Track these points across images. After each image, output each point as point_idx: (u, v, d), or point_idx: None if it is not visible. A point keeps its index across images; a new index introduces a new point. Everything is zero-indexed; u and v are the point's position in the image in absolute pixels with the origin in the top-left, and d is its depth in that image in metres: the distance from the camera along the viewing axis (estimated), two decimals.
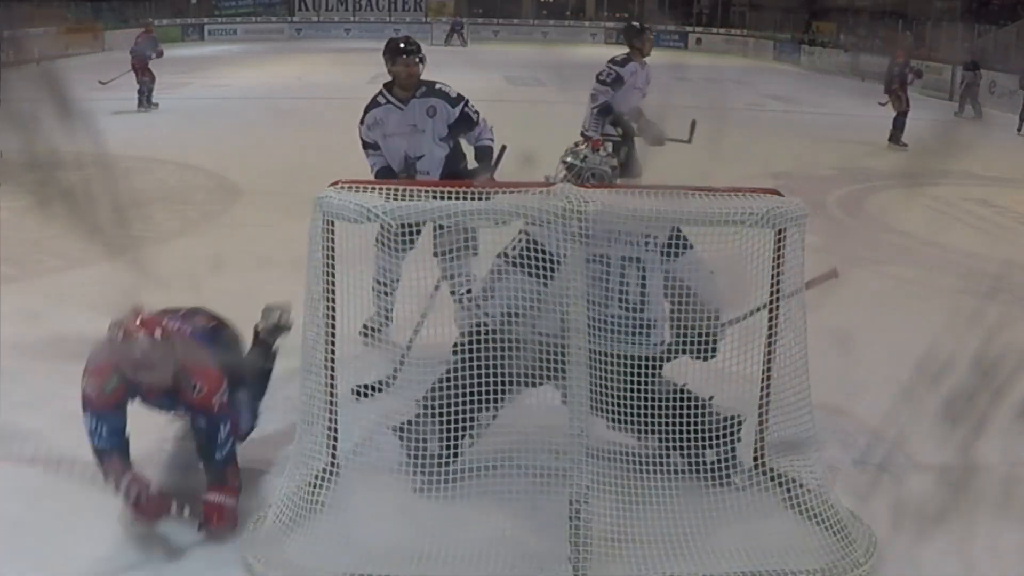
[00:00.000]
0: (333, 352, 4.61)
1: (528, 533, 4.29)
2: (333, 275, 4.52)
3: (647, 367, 4.76)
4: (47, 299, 7.58)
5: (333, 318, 4.57)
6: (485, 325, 4.74)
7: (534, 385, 4.76)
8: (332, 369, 4.62)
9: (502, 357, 4.62)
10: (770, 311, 4.79)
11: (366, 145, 6.82)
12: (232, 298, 7.35)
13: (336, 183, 4.48)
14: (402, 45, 6.80)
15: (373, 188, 4.45)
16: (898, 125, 16.74)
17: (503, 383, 4.70)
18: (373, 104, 6.81)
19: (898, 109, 16.97)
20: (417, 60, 6.73)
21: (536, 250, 4.67)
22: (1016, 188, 13.38)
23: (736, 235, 4.76)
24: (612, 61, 9.28)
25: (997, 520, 4.53)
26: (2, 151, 13.57)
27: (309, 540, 4.32)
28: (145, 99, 19.33)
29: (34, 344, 6.61)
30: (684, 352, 4.95)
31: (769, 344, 4.80)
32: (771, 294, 4.77)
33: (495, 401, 4.71)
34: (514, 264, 4.86)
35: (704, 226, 4.89)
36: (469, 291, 5.58)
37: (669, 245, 5.00)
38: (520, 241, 4.87)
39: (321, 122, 16.07)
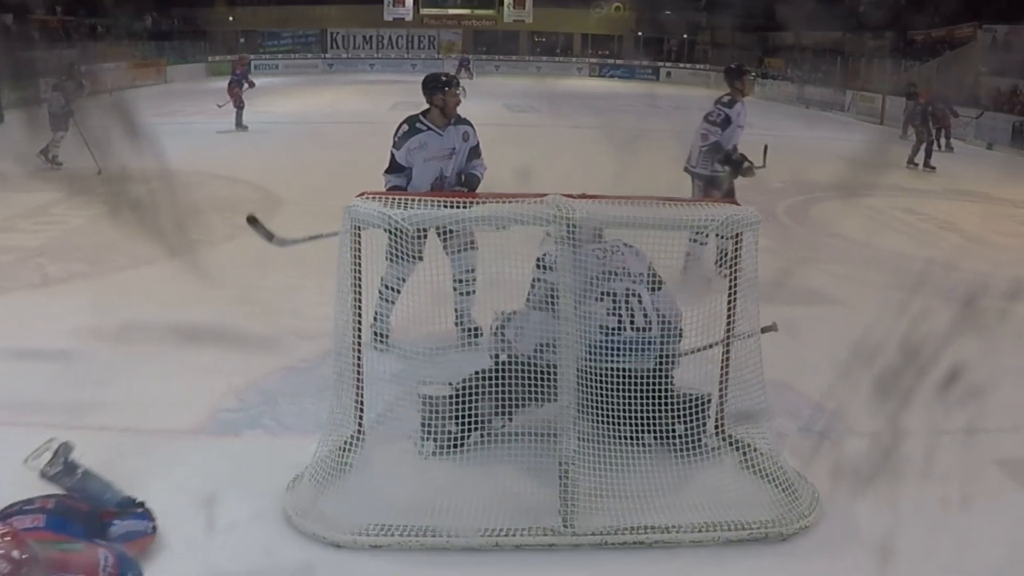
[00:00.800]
0: (359, 336, 4.61)
1: (525, 490, 4.29)
2: (359, 272, 4.52)
3: (651, 376, 4.79)
4: (116, 293, 7.57)
5: (359, 308, 4.57)
6: (518, 357, 4.74)
7: (545, 403, 4.74)
8: (359, 351, 4.62)
9: (527, 383, 4.60)
10: (728, 303, 4.78)
11: (396, 168, 6.48)
12: (272, 293, 7.39)
13: (362, 194, 4.49)
14: (445, 79, 6.65)
15: (393, 198, 4.46)
16: (928, 152, 16.67)
17: (521, 402, 4.71)
18: (413, 131, 6.49)
19: (922, 140, 16.91)
20: (460, 91, 6.62)
21: (551, 292, 4.66)
22: (936, 199, 13.41)
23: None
24: (720, 103, 8.56)
25: (921, 479, 4.53)
26: (101, 168, 13.61)
27: (339, 496, 4.32)
28: (239, 122, 19.59)
29: (104, 331, 6.60)
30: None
31: (727, 327, 4.80)
32: (729, 288, 4.76)
33: (510, 414, 4.75)
34: (537, 309, 4.92)
35: (675, 231, 4.91)
36: (473, 283, 5.65)
37: (652, 280, 5.07)
38: (538, 289, 4.97)
39: (350, 143, 16.06)
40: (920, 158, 16.69)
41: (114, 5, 33.11)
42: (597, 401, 4.56)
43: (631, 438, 4.66)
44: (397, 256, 4.91)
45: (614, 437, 4.63)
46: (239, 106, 19.62)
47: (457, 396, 4.79)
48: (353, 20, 38.70)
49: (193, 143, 16.53)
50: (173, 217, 9.91)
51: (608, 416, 4.61)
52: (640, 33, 38.77)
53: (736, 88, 8.54)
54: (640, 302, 4.99)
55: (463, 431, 4.76)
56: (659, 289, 5.10)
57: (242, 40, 37.52)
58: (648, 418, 4.71)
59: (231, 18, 38.13)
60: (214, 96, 25.44)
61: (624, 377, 4.67)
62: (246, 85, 19.97)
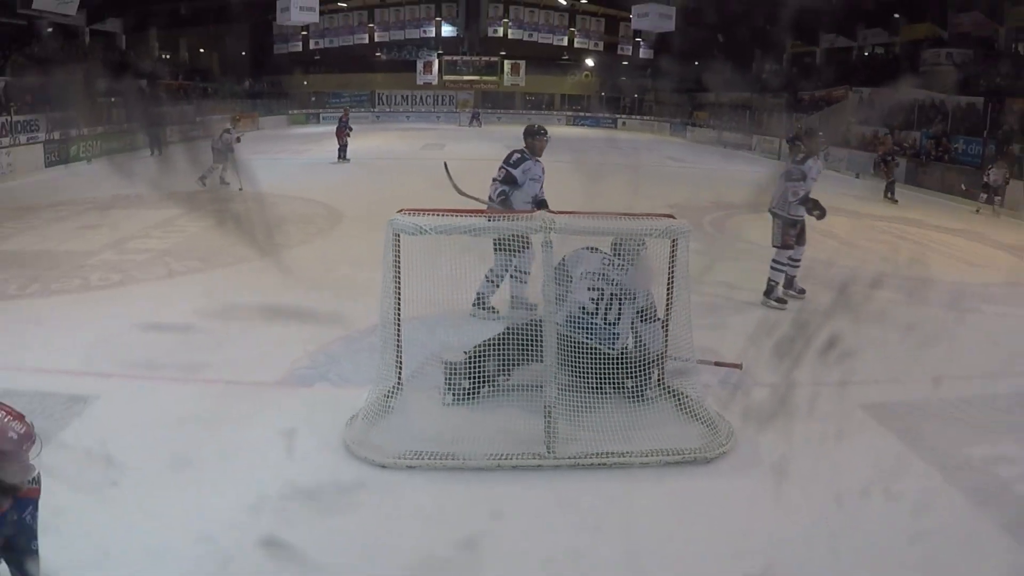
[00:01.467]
0: (399, 314, 4.60)
1: (519, 427, 4.28)
2: (399, 268, 4.50)
3: (610, 357, 4.78)
4: (222, 282, 7.57)
5: (399, 294, 4.55)
6: (528, 323, 4.67)
7: (534, 362, 4.68)
8: (398, 325, 4.61)
9: (521, 348, 4.62)
10: (668, 288, 4.76)
11: (512, 181, 6.38)
12: (335, 282, 7.36)
13: (401, 211, 4.47)
14: (539, 129, 6.70)
15: (424, 212, 4.43)
16: (890, 189, 15.90)
17: (517, 362, 4.71)
18: (523, 159, 6.46)
19: (887, 179, 16.18)
20: (546, 138, 6.64)
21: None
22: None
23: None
24: (796, 162, 7.79)
25: (806, 419, 4.53)
26: (242, 187, 13.60)
27: (384, 430, 4.32)
28: (342, 155, 19.25)
29: (213, 310, 6.60)
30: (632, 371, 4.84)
31: (668, 309, 4.78)
32: (668, 279, 4.75)
33: (508, 371, 4.74)
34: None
35: (627, 236, 4.90)
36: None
37: (643, 310, 4.97)
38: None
39: (392, 173, 15.98)
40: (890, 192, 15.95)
41: (221, 73, 33.10)
42: (572, 360, 4.58)
43: (596, 388, 4.67)
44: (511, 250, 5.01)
45: (584, 388, 4.63)
46: (343, 144, 19.39)
47: (470, 360, 4.79)
48: (394, 84, 38.55)
49: (278, 173, 16.49)
50: (263, 227, 9.91)
51: (579, 373, 4.62)
52: (603, 93, 38.65)
53: (805, 147, 7.99)
54: (619, 307, 4.95)
55: (475, 386, 4.76)
56: (651, 321, 4.98)
57: (313, 99, 37.33)
58: (608, 375, 4.73)
59: (305, 82, 37.97)
60: (295, 140, 25.51)
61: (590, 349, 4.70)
62: (349, 129, 19.79)
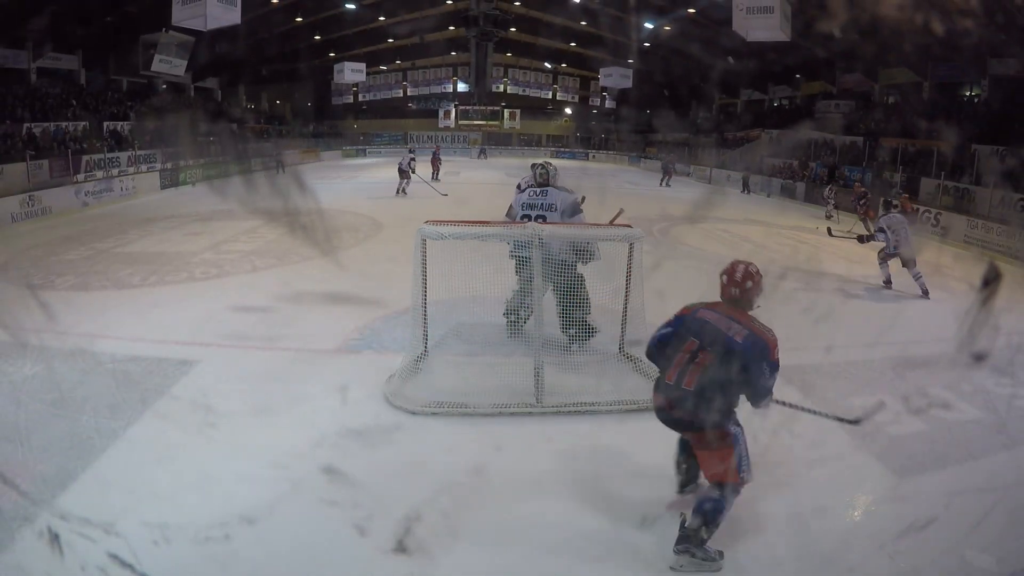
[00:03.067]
0: (426, 298, 4.58)
1: (515, 382, 4.26)
2: (425, 266, 4.47)
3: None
4: (293, 275, 7.52)
5: (425, 286, 4.53)
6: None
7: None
8: (425, 307, 4.59)
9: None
10: (627, 280, 4.74)
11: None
12: (378, 274, 7.32)
13: (428, 221, 4.43)
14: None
15: (444, 223, 4.40)
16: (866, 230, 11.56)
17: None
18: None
19: (863, 218, 12.27)
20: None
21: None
22: (739, 224, 13.26)
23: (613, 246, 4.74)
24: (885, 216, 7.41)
25: None
26: (403, 191, 14.28)
27: (414, 386, 4.30)
28: (435, 177, 18.14)
29: (286, 296, 6.57)
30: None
31: (626, 295, 4.76)
32: (627, 275, 4.72)
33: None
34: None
35: (595, 240, 4.86)
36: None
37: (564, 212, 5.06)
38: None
39: (421, 193, 15.88)
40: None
41: (292, 118, 32.92)
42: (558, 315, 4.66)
43: (568, 349, 4.71)
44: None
45: (564, 352, 4.63)
46: (436, 169, 18.78)
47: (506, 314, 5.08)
48: (422, 127, 38.33)
49: (334, 193, 16.38)
50: (323, 234, 9.85)
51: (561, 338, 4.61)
52: (578, 133, 38.48)
53: (896, 205, 7.90)
54: (572, 273, 4.90)
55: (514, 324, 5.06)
56: (575, 215, 5.04)
57: (361, 138, 37.09)
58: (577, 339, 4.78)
59: (355, 126, 37.81)
60: (348, 169, 25.27)
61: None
62: (439, 160, 19.31)
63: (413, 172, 15.84)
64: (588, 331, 4.91)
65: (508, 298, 5.17)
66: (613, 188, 20.67)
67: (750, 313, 2.86)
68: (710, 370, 2.72)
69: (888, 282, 7.68)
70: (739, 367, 2.67)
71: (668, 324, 3.01)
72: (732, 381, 2.66)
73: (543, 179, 5.18)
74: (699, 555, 2.67)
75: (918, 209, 12.79)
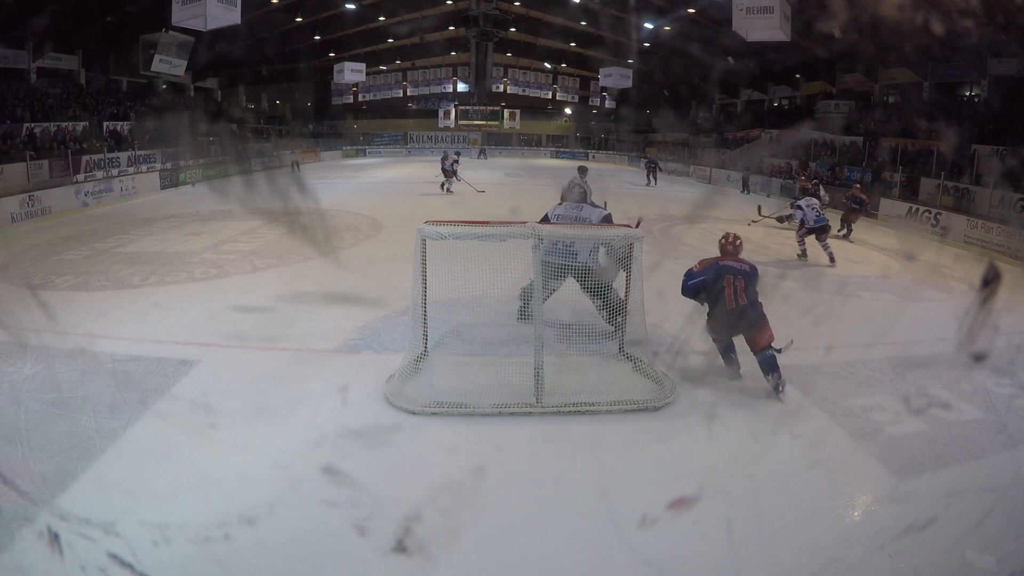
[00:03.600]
0: (425, 298, 4.58)
1: (516, 382, 4.26)
2: (425, 264, 4.47)
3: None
4: (293, 275, 7.52)
5: (425, 285, 4.53)
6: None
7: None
8: (424, 307, 4.58)
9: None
10: (627, 278, 4.74)
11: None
12: (378, 275, 7.32)
13: (427, 221, 4.43)
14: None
15: (444, 223, 4.40)
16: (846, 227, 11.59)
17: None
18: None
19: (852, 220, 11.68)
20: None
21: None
22: (739, 225, 13.25)
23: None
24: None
25: (731, 376, 4.52)
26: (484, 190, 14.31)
27: (413, 386, 4.30)
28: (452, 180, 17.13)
29: (286, 295, 6.56)
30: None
31: (626, 294, 4.76)
32: (627, 270, 4.72)
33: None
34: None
35: (600, 240, 4.87)
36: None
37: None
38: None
39: (420, 193, 15.88)
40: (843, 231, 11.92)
41: (292, 119, 32.92)
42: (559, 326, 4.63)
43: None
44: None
45: (564, 353, 4.62)
46: (455, 171, 17.81)
47: (522, 298, 5.16)
48: (422, 127, 38.29)
49: (334, 193, 16.38)
50: (323, 233, 9.85)
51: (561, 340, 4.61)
52: (578, 134, 38.44)
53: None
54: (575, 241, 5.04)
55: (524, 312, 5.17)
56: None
57: (361, 138, 37.03)
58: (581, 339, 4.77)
59: (355, 126, 37.75)
60: (348, 169, 25.33)
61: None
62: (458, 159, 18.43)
63: (455, 173, 16.29)
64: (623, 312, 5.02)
65: (524, 286, 5.23)
66: (613, 188, 20.64)
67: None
68: (748, 288, 4.44)
69: (803, 255, 8.98)
70: (754, 281, 4.49)
71: (699, 274, 4.51)
72: (755, 288, 4.46)
73: (581, 197, 5.64)
74: (782, 383, 4.37)
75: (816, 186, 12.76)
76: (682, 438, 3.83)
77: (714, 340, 4.61)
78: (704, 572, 2.73)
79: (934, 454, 3.73)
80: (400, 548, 2.78)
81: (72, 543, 2.61)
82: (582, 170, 9.48)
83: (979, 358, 4.85)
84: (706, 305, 4.51)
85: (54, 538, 2.58)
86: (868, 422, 4.06)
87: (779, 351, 4.39)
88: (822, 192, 12.28)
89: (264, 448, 3.51)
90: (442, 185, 16.21)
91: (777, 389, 4.31)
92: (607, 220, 5.41)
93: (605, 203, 5.55)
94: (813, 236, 8.91)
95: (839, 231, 10.99)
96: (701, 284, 4.48)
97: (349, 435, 3.70)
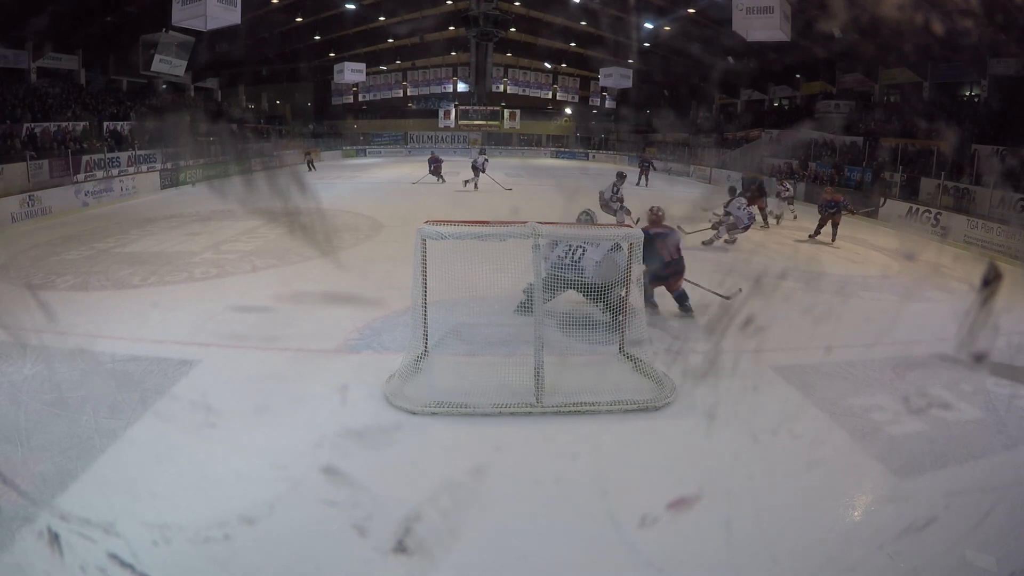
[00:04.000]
0: (426, 299, 4.57)
1: (516, 382, 4.25)
2: (425, 264, 4.47)
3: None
4: (293, 275, 7.52)
5: (425, 285, 4.52)
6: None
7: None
8: (424, 307, 4.58)
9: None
10: (627, 280, 4.74)
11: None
12: (378, 275, 7.31)
13: (428, 221, 4.43)
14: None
15: (444, 223, 4.40)
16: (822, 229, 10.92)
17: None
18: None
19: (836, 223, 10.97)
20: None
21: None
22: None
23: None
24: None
25: (729, 377, 4.53)
26: (512, 188, 14.75)
27: (414, 386, 4.30)
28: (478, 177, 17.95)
29: (286, 295, 6.57)
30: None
31: (625, 294, 4.75)
32: (626, 272, 4.72)
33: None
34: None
35: (599, 241, 4.87)
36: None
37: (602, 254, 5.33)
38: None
39: (419, 193, 15.86)
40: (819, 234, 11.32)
41: (292, 118, 32.93)
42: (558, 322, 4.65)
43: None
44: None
45: (564, 352, 4.62)
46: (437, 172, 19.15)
47: (528, 291, 5.20)
48: (421, 127, 38.26)
49: (334, 193, 16.38)
50: (323, 233, 9.85)
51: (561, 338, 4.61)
52: (578, 134, 38.39)
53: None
54: (583, 256, 5.25)
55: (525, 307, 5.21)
56: (603, 260, 5.30)
57: (361, 138, 37.00)
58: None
59: (355, 126, 37.72)
60: (348, 169, 25.32)
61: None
62: (441, 162, 19.53)
63: (483, 171, 17.41)
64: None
65: (525, 287, 5.28)
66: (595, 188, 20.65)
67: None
68: (671, 248, 5.87)
69: (707, 242, 9.79)
70: (676, 240, 5.96)
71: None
72: (677, 246, 5.85)
73: (587, 222, 5.98)
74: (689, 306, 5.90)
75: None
76: (682, 438, 3.82)
77: (647, 287, 5.71)
78: (704, 572, 2.73)
79: (934, 454, 3.73)
80: (400, 548, 2.78)
81: (72, 543, 2.61)
82: (620, 176, 10.00)
83: (979, 358, 4.85)
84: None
85: (54, 538, 2.58)
86: (868, 422, 4.06)
87: (728, 298, 6.02)
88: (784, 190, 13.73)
89: (264, 448, 3.51)
90: (466, 182, 16.74)
91: (687, 310, 5.88)
92: (611, 260, 5.27)
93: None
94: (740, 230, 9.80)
95: (810, 235, 11.06)
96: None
97: (349, 435, 3.69)
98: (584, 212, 6.41)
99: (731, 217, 9.71)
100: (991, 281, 7.26)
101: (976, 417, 4.20)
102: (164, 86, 24.40)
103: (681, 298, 5.95)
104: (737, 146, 25.61)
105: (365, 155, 34.85)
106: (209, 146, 21.51)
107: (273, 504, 3.02)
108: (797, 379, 4.63)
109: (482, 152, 18.29)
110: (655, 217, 6.17)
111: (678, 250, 5.96)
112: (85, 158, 15.39)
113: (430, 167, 19.26)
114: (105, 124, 18.47)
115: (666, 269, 5.87)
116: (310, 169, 23.12)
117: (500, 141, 37.89)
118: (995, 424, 4.11)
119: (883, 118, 20.15)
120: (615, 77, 30.40)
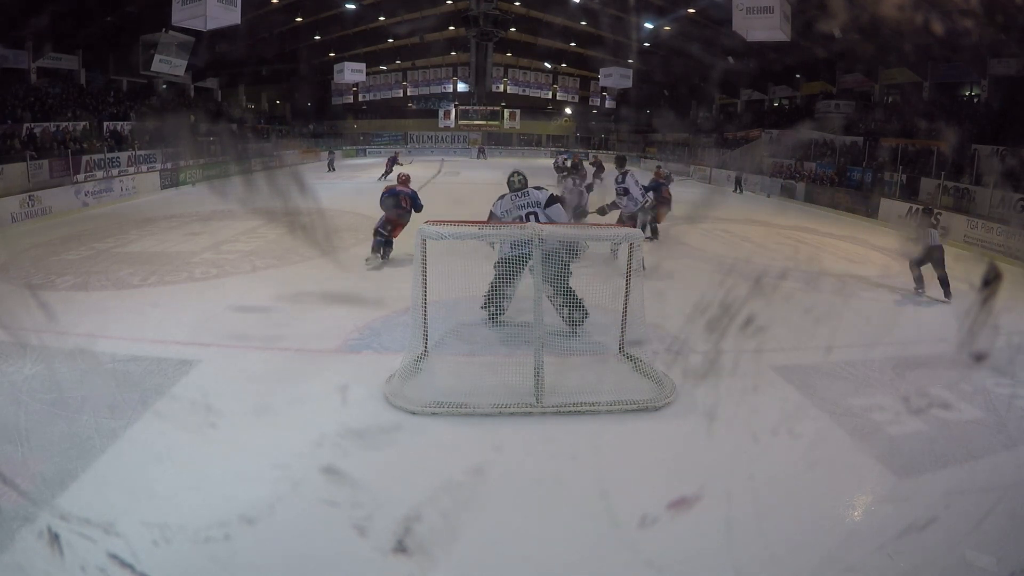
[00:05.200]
0: (426, 298, 4.57)
1: (516, 382, 4.25)
2: (425, 264, 4.46)
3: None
4: (293, 275, 7.52)
5: (425, 284, 4.52)
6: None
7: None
8: (424, 307, 4.58)
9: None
10: (626, 279, 4.74)
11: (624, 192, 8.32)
12: (379, 275, 7.32)
13: (428, 221, 4.43)
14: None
15: (444, 223, 4.40)
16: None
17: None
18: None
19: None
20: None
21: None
22: (739, 224, 13.24)
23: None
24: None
25: (730, 377, 4.52)
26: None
27: (414, 386, 4.30)
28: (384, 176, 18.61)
29: (286, 295, 6.56)
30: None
31: (625, 294, 4.75)
32: (627, 270, 4.72)
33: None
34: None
35: (600, 241, 4.87)
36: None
37: (546, 203, 5.52)
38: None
39: (420, 193, 15.87)
40: None
41: (292, 118, 32.91)
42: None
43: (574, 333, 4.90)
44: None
45: (564, 353, 4.62)
46: (388, 170, 19.22)
47: (487, 298, 5.28)
48: (422, 127, 38.25)
49: (334, 193, 16.37)
50: (323, 234, 9.85)
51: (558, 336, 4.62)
52: (578, 134, 38.42)
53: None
54: (536, 218, 5.30)
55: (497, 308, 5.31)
56: (550, 206, 5.44)
57: (361, 138, 37.01)
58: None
59: (355, 126, 37.73)
60: (347, 169, 25.29)
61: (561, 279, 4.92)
62: (399, 164, 19.39)
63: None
64: (582, 310, 5.14)
65: (485, 292, 5.32)
66: (612, 188, 20.66)
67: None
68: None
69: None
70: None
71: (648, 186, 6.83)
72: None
73: (521, 184, 5.72)
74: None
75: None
76: (682, 438, 3.82)
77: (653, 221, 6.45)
78: (704, 572, 2.73)
79: (934, 454, 3.73)
80: (400, 548, 2.78)
81: (72, 543, 2.61)
82: (620, 160, 9.55)
83: (979, 358, 4.85)
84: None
85: (54, 538, 2.58)
86: (868, 422, 4.06)
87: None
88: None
89: (264, 448, 3.50)
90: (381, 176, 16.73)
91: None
92: (550, 199, 5.56)
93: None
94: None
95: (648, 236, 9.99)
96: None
97: (349, 435, 3.69)
98: (515, 172, 5.89)
99: (626, 197, 8.53)
100: (991, 281, 7.26)
101: (976, 417, 4.20)
102: (164, 86, 24.39)
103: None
104: (737, 146, 25.60)
105: (365, 155, 34.81)
106: (209, 146, 21.51)
107: (273, 504, 3.02)
108: (797, 379, 4.63)
109: (481, 152, 18.22)
110: (659, 172, 9.17)
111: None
112: (85, 158, 15.39)
113: (388, 167, 19.14)
114: (105, 124, 18.47)
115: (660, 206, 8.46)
116: (330, 169, 23.12)
117: (500, 141, 37.87)
118: (995, 424, 4.11)
119: (883, 118, 20.14)
120: (615, 77, 30.39)
